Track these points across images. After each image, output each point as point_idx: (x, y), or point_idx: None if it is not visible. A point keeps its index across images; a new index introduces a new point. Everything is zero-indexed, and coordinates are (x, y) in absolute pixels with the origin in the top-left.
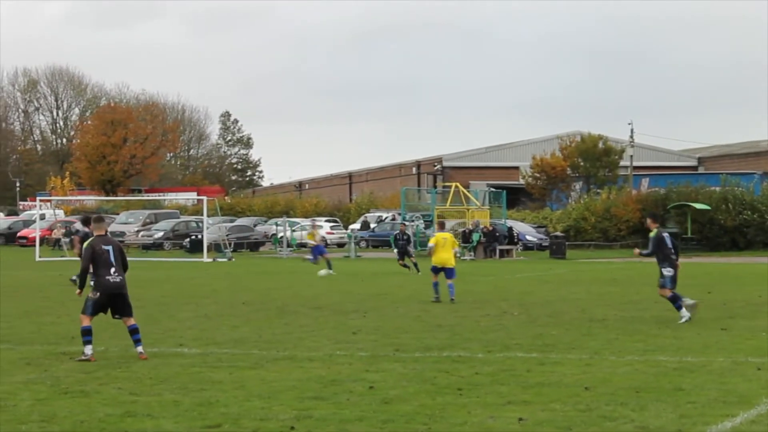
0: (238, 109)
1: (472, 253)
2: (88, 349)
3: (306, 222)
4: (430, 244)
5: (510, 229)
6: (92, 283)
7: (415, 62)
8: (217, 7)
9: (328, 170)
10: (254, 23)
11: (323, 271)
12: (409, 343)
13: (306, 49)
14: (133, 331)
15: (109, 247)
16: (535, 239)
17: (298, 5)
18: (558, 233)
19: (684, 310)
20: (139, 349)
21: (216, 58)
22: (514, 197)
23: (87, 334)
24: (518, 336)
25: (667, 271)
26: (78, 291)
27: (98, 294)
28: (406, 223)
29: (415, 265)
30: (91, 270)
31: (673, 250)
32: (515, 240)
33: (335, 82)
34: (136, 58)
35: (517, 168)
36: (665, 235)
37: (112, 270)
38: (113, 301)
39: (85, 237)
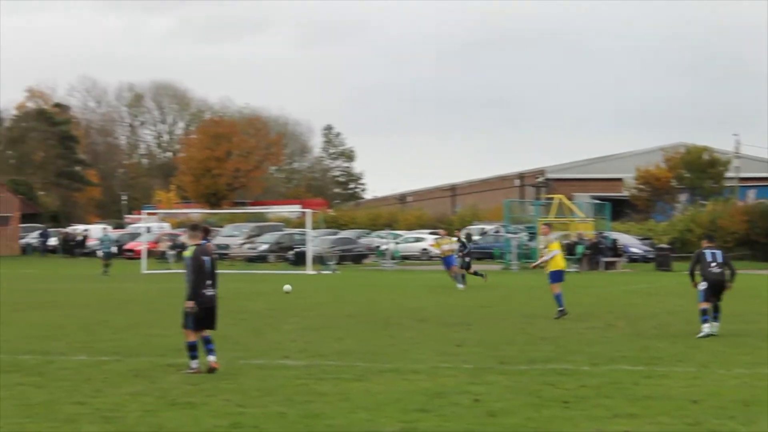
0: (340, 122)
1: (577, 266)
2: (194, 363)
3: (410, 234)
4: (555, 251)
5: (615, 241)
6: (188, 296)
7: (517, 73)
8: (321, 21)
9: (431, 182)
10: (358, 36)
11: (460, 285)
12: (513, 355)
13: (409, 62)
14: (208, 340)
15: (208, 258)
16: (639, 251)
17: (402, 18)
18: (663, 245)
19: (706, 326)
20: (212, 358)
21: (320, 72)
22: (618, 209)
23: (193, 349)
24: (624, 348)
25: (701, 285)
26: (190, 303)
27: (195, 307)
28: (440, 230)
29: (462, 277)
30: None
31: (714, 264)
32: (620, 252)
33: (438, 94)
34: (240, 73)
35: (620, 180)
36: (704, 251)
37: (209, 283)
38: (206, 314)
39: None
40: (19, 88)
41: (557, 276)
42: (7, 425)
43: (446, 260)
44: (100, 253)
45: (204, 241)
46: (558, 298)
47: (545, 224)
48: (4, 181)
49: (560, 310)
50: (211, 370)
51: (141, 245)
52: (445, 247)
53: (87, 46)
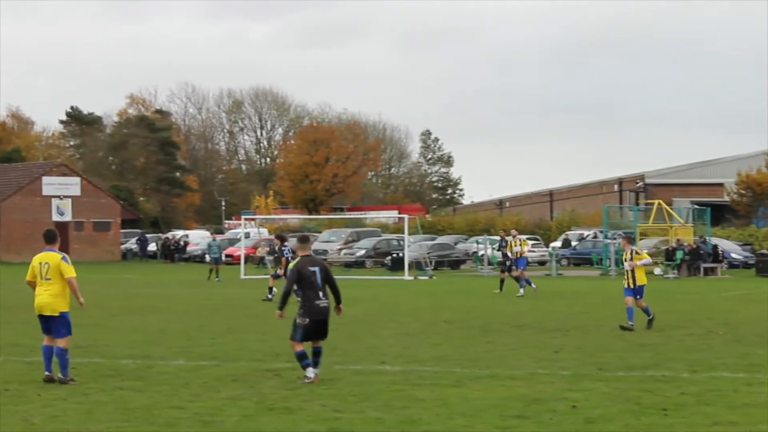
0: (438, 128)
1: (676, 271)
2: (310, 372)
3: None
4: (647, 259)
5: (715, 246)
6: (300, 309)
7: (617, 77)
8: (421, 27)
9: (529, 188)
10: (457, 41)
11: (522, 291)
12: (611, 361)
13: (507, 67)
14: (318, 353)
15: (316, 269)
16: (740, 257)
17: (501, 23)
18: (764, 251)
19: None
20: (316, 370)
21: (418, 77)
22: (719, 214)
23: (303, 358)
24: (724, 355)
25: None
26: (279, 313)
27: (306, 320)
28: (513, 230)
29: (519, 280)
30: (295, 290)
31: None
32: (720, 258)
33: (537, 99)
34: (339, 78)
35: (721, 185)
36: None
37: (321, 293)
38: (315, 326)
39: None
40: (120, 95)
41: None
42: (108, 429)
43: (517, 262)
44: (208, 259)
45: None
46: (630, 312)
47: (625, 237)
48: (106, 187)
49: (649, 319)
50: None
51: (240, 251)
52: (516, 249)
53: (188, 53)
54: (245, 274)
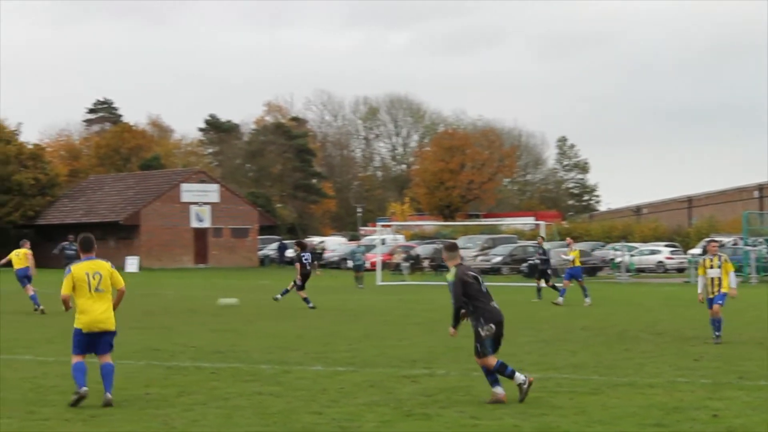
0: (574, 134)
1: None
2: (499, 390)
3: (646, 247)
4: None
5: None
6: (475, 320)
7: (756, 81)
8: (557, 34)
9: (667, 194)
10: (593, 47)
11: (560, 299)
12: (753, 370)
13: (645, 72)
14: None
15: (474, 274)
16: None
17: (638, 28)
18: None
19: None
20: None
21: (554, 83)
22: None
23: (504, 368)
24: None
25: None
26: (453, 331)
27: (492, 326)
28: (569, 239)
29: (555, 287)
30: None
31: None
32: None
33: (674, 104)
34: (474, 85)
35: None
36: None
37: (491, 296)
38: (500, 329)
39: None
40: (257, 103)
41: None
42: None
43: (574, 270)
44: (350, 264)
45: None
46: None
47: (714, 242)
48: (244, 194)
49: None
50: (530, 384)
51: (376, 257)
52: (569, 258)
53: (325, 61)
54: (381, 281)
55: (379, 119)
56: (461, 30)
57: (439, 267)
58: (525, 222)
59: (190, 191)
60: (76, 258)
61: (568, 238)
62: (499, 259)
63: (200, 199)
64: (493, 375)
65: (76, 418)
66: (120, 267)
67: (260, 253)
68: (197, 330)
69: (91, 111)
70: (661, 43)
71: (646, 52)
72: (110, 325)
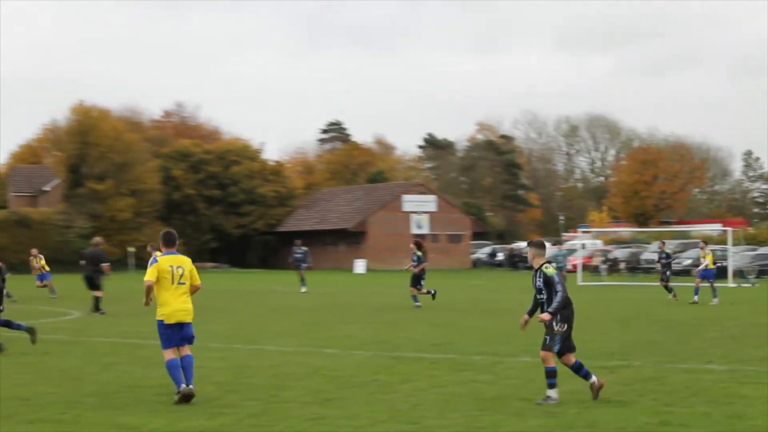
0: (760, 148)
1: None
2: (554, 393)
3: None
4: None
5: None
6: (558, 316)
7: None
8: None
9: None
10: None
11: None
12: None
13: None
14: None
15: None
16: None
17: None
18: None
19: None
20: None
21: (745, 102)
22: None
23: (554, 375)
24: None
25: None
26: (548, 316)
27: (565, 326)
28: (701, 243)
29: (667, 288)
30: None
31: None
32: None
33: None
34: (667, 104)
35: None
36: None
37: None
38: (571, 330)
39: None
40: (470, 122)
41: None
42: (463, 417)
43: (706, 272)
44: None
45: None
46: None
47: None
48: (458, 204)
49: None
50: (600, 387)
51: (577, 260)
52: (705, 262)
53: (531, 83)
54: (582, 281)
55: (579, 136)
56: (658, 54)
57: (634, 269)
58: (713, 228)
59: (410, 201)
60: (302, 260)
61: (701, 242)
62: (689, 262)
63: (419, 208)
64: (584, 370)
65: (312, 401)
66: (349, 269)
67: (472, 256)
68: (418, 325)
69: (324, 131)
70: None
71: None
72: (190, 316)
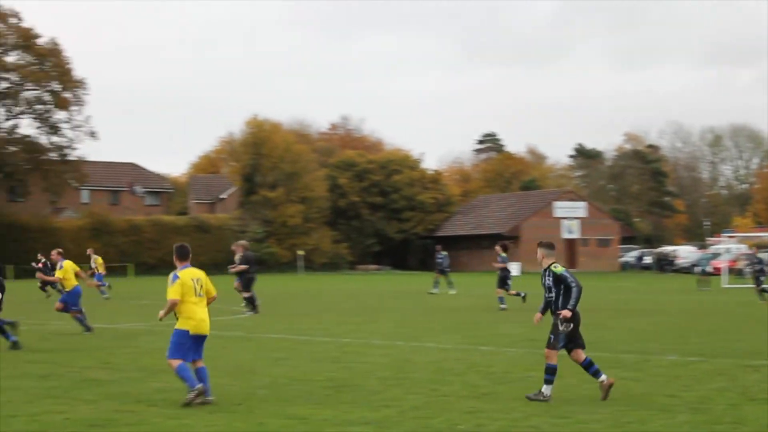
0: None
1: None
2: (548, 389)
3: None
4: None
5: None
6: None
7: None
8: None
9: None
10: None
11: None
12: None
13: None
14: (591, 363)
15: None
16: None
17: None
18: None
19: None
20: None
21: None
22: None
23: (555, 372)
24: None
25: None
26: (567, 313)
27: (571, 324)
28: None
29: (764, 290)
30: None
31: None
32: None
33: None
34: None
35: None
36: None
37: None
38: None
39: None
40: (617, 133)
41: None
42: (610, 413)
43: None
44: (697, 270)
45: None
46: None
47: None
48: (607, 210)
49: None
50: (610, 385)
51: (722, 263)
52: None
53: (676, 96)
54: (727, 284)
55: (723, 145)
56: None
57: None
58: None
59: (561, 208)
60: (446, 265)
61: None
62: None
63: (570, 214)
64: (594, 367)
65: (470, 395)
66: None
67: (621, 260)
68: None
69: (480, 142)
70: None
71: None
72: (209, 328)
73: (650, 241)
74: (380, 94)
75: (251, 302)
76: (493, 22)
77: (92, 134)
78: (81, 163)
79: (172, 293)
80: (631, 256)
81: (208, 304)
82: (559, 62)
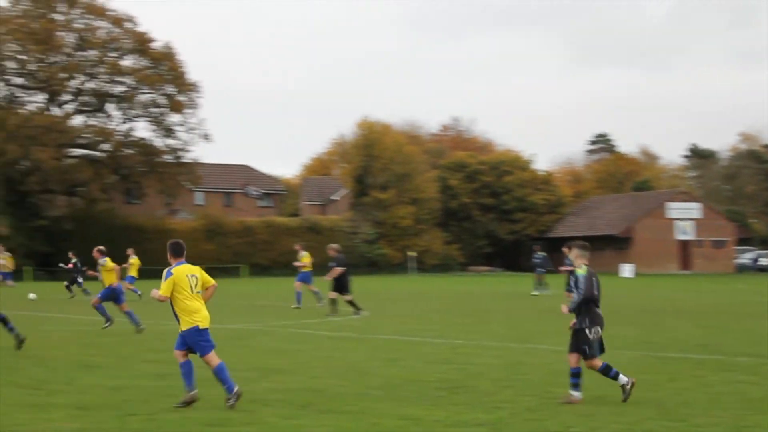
0: None
1: None
2: (576, 394)
3: None
4: None
5: None
6: (587, 320)
7: None
8: None
9: None
10: None
11: None
12: None
13: None
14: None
15: (598, 280)
16: None
17: None
18: None
19: None
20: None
21: None
22: None
23: (580, 375)
24: None
25: None
26: (566, 309)
27: (599, 329)
28: None
29: None
30: None
31: None
32: None
33: None
34: None
35: None
36: None
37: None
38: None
39: None
40: (732, 133)
41: None
42: (732, 415)
43: None
44: None
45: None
46: None
47: None
48: (721, 211)
49: None
50: (632, 385)
51: None
52: None
53: None
54: None
55: None
56: None
57: None
58: None
59: (675, 209)
60: (541, 266)
61: None
62: None
63: (684, 215)
64: (578, 378)
65: (583, 398)
66: (614, 272)
67: (736, 261)
68: (683, 326)
69: (592, 143)
70: None
71: None
72: (209, 323)
73: (766, 243)
74: (491, 94)
75: (353, 304)
76: (604, 22)
77: (206, 137)
78: (195, 165)
79: (162, 289)
80: (746, 258)
81: (209, 293)
82: (672, 62)
